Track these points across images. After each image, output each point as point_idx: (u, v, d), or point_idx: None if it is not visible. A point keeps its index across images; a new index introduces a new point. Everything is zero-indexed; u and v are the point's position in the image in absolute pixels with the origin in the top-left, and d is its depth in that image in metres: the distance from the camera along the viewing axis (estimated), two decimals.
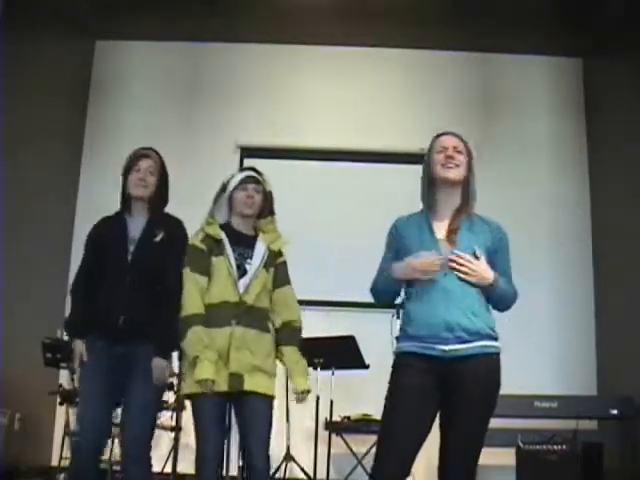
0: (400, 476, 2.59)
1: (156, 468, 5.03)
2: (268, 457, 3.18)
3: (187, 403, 5.49)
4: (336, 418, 5.43)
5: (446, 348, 2.57)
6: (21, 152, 6.23)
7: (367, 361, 5.25)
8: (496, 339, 2.70)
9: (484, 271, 2.68)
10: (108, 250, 3.28)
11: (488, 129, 6.65)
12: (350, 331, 5.20)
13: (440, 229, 2.76)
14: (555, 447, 5.01)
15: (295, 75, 6.78)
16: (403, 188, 6.89)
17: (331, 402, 5.24)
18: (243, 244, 3.33)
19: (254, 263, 3.25)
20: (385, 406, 2.65)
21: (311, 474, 5.21)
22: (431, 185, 2.86)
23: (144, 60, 6.84)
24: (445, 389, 2.59)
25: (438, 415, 2.65)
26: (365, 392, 5.86)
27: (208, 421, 3.06)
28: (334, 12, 6.45)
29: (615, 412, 5.37)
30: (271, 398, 3.17)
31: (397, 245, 2.87)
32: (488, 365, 2.63)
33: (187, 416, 5.74)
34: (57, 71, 6.51)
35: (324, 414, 5.32)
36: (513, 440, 5.08)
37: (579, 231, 6.48)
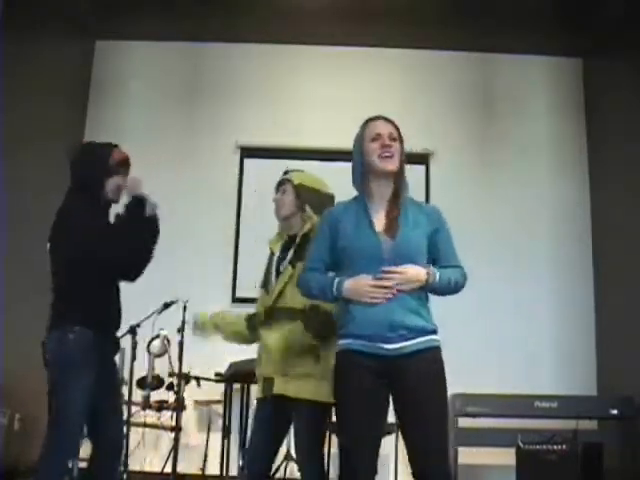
0: None
1: (156, 468, 5.07)
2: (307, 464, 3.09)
3: (187, 403, 5.53)
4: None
5: (390, 347, 2.60)
6: (21, 152, 6.22)
7: None
8: (435, 332, 2.71)
9: (414, 276, 2.64)
10: None
11: (488, 129, 6.66)
12: None
13: (378, 220, 2.74)
14: (555, 447, 5.00)
15: (295, 75, 6.79)
16: None
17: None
18: (286, 247, 3.33)
19: (285, 264, 3.24)
20: (340, 410, 2.68)
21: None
22: (365, 173, 2.84)
23: (144, 60, 6.84)
24: (395, 387, 2.63)
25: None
26: None
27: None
28: (334, 12, 6.45)
29: (615, 412, 5.37)
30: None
31: (334, 234, 2.77)
32: (431, 358, 2.65)
33: (187, 416, 5.76)
34: (57, 71, 6.51)
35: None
36: (513, 440, 5.07)
37: (579, 231, 6.48)
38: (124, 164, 3.33)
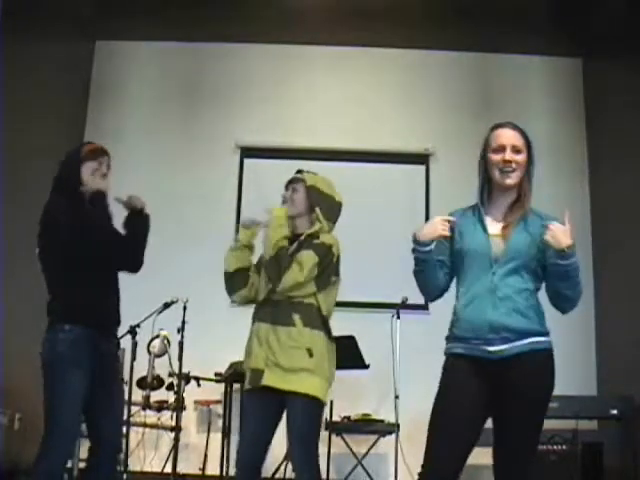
0: None
1: (156, 468, 5.07)
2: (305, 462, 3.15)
3: (187, 403, 5.53)
4: (336, 418, 5.44)
5: (491, 349, 2.53)
6: (21, 152, 6.23)
7: (367, 361, 5.25)
8: (546, 334, 2.70)
9: (562, 233, 2.58)
10: None
11: (488, 129, 6.65)
12: (350, 331, 5.20)
13: (493, 225, 2.68)
14: (555, 447, 5.01)
15: (295, 75, 6.79)
16: (403, 188, 6.93)
17: (331, 402, 5.24)
18: (290, 243, 3.30)
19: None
20: (434, 410, 2.58)
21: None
22: (486, 183, 2.76)
23: (144, 60, 6.84)
24: (494, 391, 2.53)
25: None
26: (365, 392, 5.88)
27: None
28: (334, 12, 6.45)
29: (615, 412, 5.37)
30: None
31: (452, 234, 2.71)
32: (536, 362, 2.59)
33: (187, 416, 5.76)
34: (57, 71, 6.51)
35: (324, 414, 5.32)
36: None
37: (579, 231, 6.44)
38: (95, 151, 3.39)
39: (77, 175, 3.32)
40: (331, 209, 3.33)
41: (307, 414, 3.06)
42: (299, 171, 3.45)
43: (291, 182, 3.38)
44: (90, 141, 3.50)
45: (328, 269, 3.17)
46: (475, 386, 2.53)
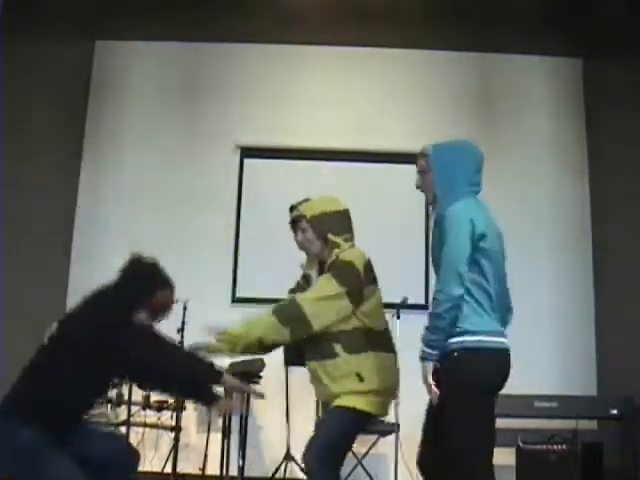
0: None
1: (156, 468, 5.06)
2: (312, 458, 3.05)
3: (187, 403, 5.52)
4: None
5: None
6: (21, 152, 6.23)
7: None
8: (453, 335, 2.69)
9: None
10: None
11: (488, 129, 6.65)
12: None
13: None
14: (555, 447, 5.01)
15: (295, 75, 6.78)
16: (403, 188, 6.91)
17: None
18: (321, 271, 3.32)
19: None
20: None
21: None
22: None
23: (144, 60, 6.83)
24: None
25: None
26: None
27: None
28: (334, 12, 6.45)
29: (615, 412, 5.37)
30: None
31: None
32: (444, 364, 2.71)
33: (187, 416, 5.76)
34: (57, 71, 6.51)
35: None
36: (513, 440, 5.08)
37: (579, 231, 6.48)
38: (163, 309, 3.19)
39: (133, 309, 3.10)
40: (340, 223, 3.26)
41: (331, 417, 3.09)
42: (293, 207, 3.39)
43: (293, 222, 3.35)
44: (172, 285, 3.27)
45: (356, 285, 3.09)
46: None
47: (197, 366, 2.96)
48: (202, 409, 5.92)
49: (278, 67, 6.75)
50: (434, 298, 2.70)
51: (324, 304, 3.01)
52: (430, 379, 2.68)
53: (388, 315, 5.13)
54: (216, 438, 5.49)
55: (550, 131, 6.69)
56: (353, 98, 6.68)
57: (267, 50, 6.74)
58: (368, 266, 3.19)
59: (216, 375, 2.97)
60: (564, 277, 6.39)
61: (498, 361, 2.79)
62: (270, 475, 5.37)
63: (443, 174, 2.86)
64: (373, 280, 3.19)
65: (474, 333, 2.69)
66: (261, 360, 5.26)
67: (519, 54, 6.75)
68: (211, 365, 2.99)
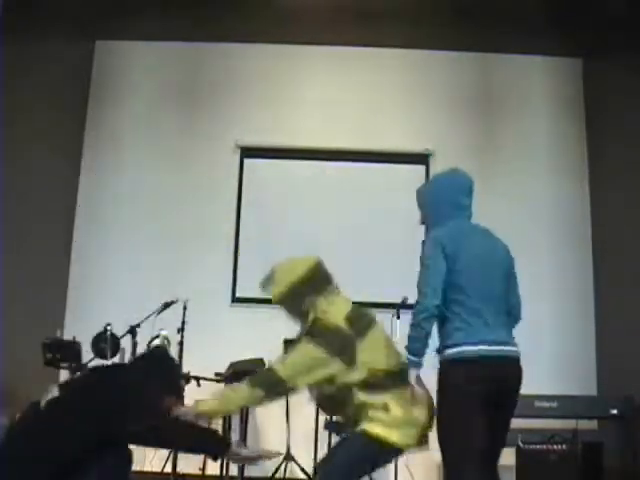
0: None
1: (156, 468, 5.06)
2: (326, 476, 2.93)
3: (187, 403, 5.52)
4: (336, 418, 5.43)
5: None
6: (21, 152, 6.23)
7: None
8: (438, 351, 2.92)
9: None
10: None
11: (488, 129, 6.66)
12: None
13: None
14: (555, 447, 5.01)
15: (295, 75, 6.78)
16: (403, 188, 6.91)
17: None
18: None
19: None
20: None
21: (311, 474, 5.21)
22: None
23: (144, 60, 6.83)
24: None
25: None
26: None
27: None
28: (334, 12, 6.45)
29: (615, 412, 5.37)
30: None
31: None
32: (438, 372, 2.91)
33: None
34: (57, 71, 6.51)
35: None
36: (513, 440, 5.07)
37: (579, 231, 6.48)
38: (161, 408, 2.96)
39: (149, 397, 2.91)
40: (310, 284, 2.95)
41: (355, 441, 2.90)
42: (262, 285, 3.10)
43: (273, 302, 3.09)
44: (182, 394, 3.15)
45: (343, 345, 2.83)
46: None
47: (203, 442, 2.89)
48: None
49: (278, 67, 6.75)
50: (412, 312, 2.91)
51: (301, 368, 2.82)
52: (414, 382, 2.86)
53: (388, 315, 5.18)
54: None
55: (550, 131, 6.69)
56: (353, 98, 6.67)
57: (267, 50, 6.74)
58: (355, 315, 2.92)
59: (223, 447, 2.90)
60: (564, 278, 6.38)
61: (480, 368, 2.81)
62: (270, 475, 5.36)
63: (430, 205, 3.16)
64: (367, 325, 2.94)
65: (454, 346, 2.85)
66: (261, 360, 5.26)
67: (519, 54, 6.75)
68: (218, 438, 2.95)
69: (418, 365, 2.85)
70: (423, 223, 3.20)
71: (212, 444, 2.90)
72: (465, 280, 2.90)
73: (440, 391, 2.84)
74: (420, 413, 2.86)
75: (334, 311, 2.89)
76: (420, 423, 2.87)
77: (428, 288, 2.87)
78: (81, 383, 3.01)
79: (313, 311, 2.90)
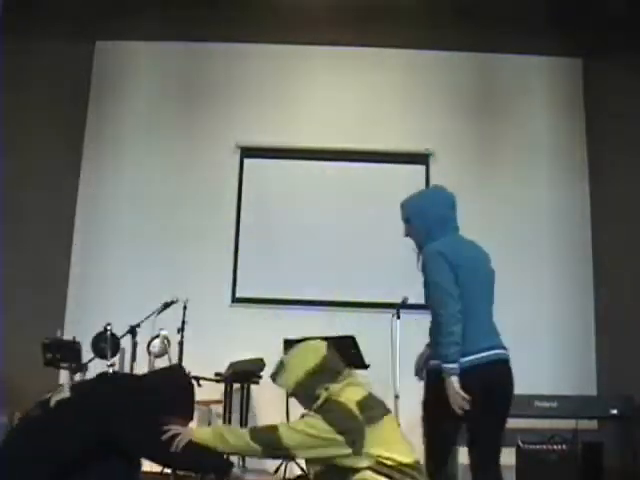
0: None
1: (156, 468, 5.05)
2: None
3: None
4: None
5: None
6: (22, 152, 6.23)
7: (367, 361, 5.25)
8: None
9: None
10: None
11: (488, 129, 6.65)
12: (350, 331, 5.20)
13: None
14: (555, 447, 5.01)
15: (295, 75, 6.78)
16: (403, 188, 6.91)
17: None
18: None
19: None
20: None
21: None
22: None
23: (144, 60, 6.83)
24: None
25: None
26: None
27: None
28: (334, 12, 6.45)
29: (615, 412, 5.37)
30: None
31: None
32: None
33: None
34: (57, 71, 6.51)
35: None
36: (513, 440, 5.07)
37: (579, 231, 6.48)
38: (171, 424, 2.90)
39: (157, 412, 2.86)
40: (323, 372, 2.83)
41: None
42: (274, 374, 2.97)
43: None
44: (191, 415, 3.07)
45: (351, 425, 2.68)
46: None
47: (205, 462, 2.86)
48: (202, 409, 5.92)
49: (278, 67, 6.75)
50: (436, 323, 3.01)
51: (308, 443, 2.68)
52: (459, 390, 2.92)
53: (388, 315, 5.18)
54: None
55: (550, 131, 6.69)
56: (353, 98, 6.68)
57: (267, 50, 6.74)
58: (367, 402, 2.77)
59: (225, 469, 2.90)
60: (564, 278, 6.38)
61: (465, 379, 2.97)
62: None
63: (420, 223, 3.25)
64: (380, 414, 2.77)
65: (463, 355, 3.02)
66: (261, 360, 5.26)
67: (519, 54, 6.74)
68: (221, 459, 2.88)
69: (456, 371, 2.92)
70: (407, 235, 3.33)
71: (214, 465, 2.87)
72: (465, 290, 3.01)
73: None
74: None
75: (346, 394, 2.77)
76: None
77: (447, 296, 2.97)
78: (91, 385, 3.01)
79: (326, 393, 2.78)
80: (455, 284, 2.99)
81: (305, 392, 2.82)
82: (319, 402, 2.76)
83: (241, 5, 6.44)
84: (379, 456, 2.63)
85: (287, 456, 2.78)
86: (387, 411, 2.82)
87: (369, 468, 2.63)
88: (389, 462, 2.63)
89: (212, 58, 6.80)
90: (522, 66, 6.78)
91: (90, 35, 6.77)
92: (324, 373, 2.82)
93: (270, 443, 2.70)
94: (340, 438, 2.64)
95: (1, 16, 5.04)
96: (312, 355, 2.85)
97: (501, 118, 6.72)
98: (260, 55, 6.75)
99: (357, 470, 2.63)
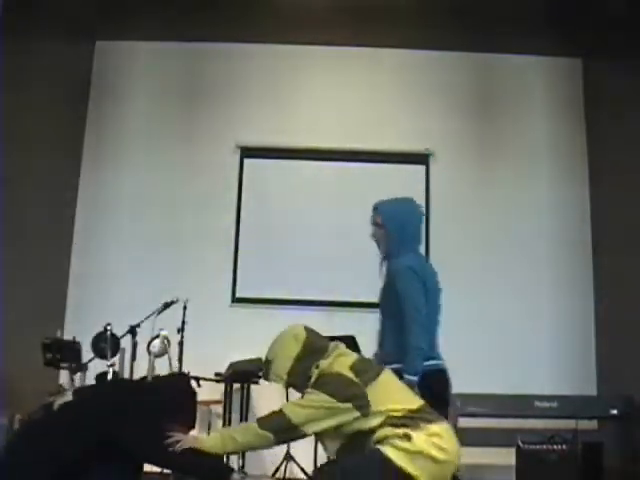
0: None
1: (156, 468, 5.05)
2: None
3: None
4: None
5: None
6: (21, 152, 6.23)
7: None
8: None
9: None
10: None
11: (488, 129, 6.65)
12: (350, 331, 5.19)
13: None
14: (555, 447, 5.01)
15: (295, 75, 6.78)
16: (403, 188, 6.92)
17: None
18: None
19: None
20: None
21: (311, 474, 5.21)
22: None
23: (144, 60, 6.83)
24: None
25: None
26: None
27: None
28: (334, 12, 6.45)
29: (615, 412, 5.37)
30: None
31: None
32: None
33: None
34: (57, 71, 6.51)
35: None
36: (513, 440, 5.08)
37: (579, 231, 6.47)
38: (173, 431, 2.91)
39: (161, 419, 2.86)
40: (309, 352, 2.84)
41: (371, 459, 2.67)
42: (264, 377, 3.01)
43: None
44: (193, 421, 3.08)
45: (344, 387, 2.70)
46: None
47: (205, 467, 2.83)
48: (202, 409, 5.92)
49: (278, 67, 6.75)
50: (404, 334, 3.14)
51: (313, 415, 2.68)
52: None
53: None
54: None
55: (550, 131, 6.69)
56: (353, 98, 6.68)
57: (267, 50, 6.74)
58: (360, 364, 2.80)
59: (225, 475, 2.85)
60: (564, 278, 6.38)
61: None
62: (270, 475, 5.37)
63: (395, 231, 3.33)
64: (375, 372, 2.80)
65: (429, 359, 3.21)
66: (261, 360, 5.25)
67: (519, 54, 6.74)
68: (221, 465, 2.88)
69: (416, 382, 3.04)
70: (375, 239, 3.46)
71: (214, 469, 2.84)
72: (429, 306, 3.21)
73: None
74: (449, 450, 2.63)
75: (337, 364, 2.78)
76: (449, 462, 2.63)
77: (418, 313, 3.15)
78: (94, 388, 3.01)
79: (317, 370, 2.79)
80: (425, 301, 3.17)
81: (299, 378, 2.83)
82: (312, 379, 2.78)
83: (241, 5, 6.44)
84: (387, 409, 2.66)
85: (298, 436, 2.74)
86: (381, 368, 2.86)
87: (383, 424, 2.64)
88: (399, 413, 2.66)
89: (212, 58, 6.80)
90: (522, 66, 6.78)
91: (90, 35, 6.77)
92: (311, 354, 2.83)
93: (279, 426, 2.70)
94: (345, 405, 2.65)
95: (1, 16, 5.04)
96: (293, 341, 2.87)
97: (501, 118, 6.72)
98: (260, 55, 6.75)
99: (373, 431, 2.64)
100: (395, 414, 2.66)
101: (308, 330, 2.91)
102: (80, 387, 3.14)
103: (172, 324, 5.11)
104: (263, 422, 2.73)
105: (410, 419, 2.65)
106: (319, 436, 2.80)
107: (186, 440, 2.79)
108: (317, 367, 2.80)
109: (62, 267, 6.33)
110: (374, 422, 2.66)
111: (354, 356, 2.85)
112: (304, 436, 2.74)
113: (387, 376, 2.82)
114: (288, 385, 2.90)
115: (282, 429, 2.70)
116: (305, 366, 2.82)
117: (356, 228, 6.61)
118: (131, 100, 6.74)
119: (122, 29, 6.70)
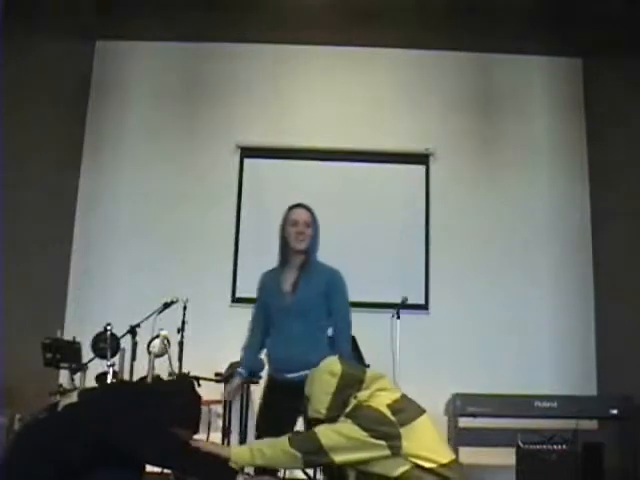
0: None
1: (156, 468, 5.05)
2: None
3: None
4: None
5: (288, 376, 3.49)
6: (21, 152, 6.22)
7: (367, 361, 5.25)
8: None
9: None
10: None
11: (488, 129, 6.66)
12: None
13: (287, 282, 3.62)
14: (555, 447, 5.01)
15: (295, 75, 6.79)
16: (403, 188, 6.93)
17: None
18: None
19: None
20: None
21: (311, 474, 5.20)
22: (285, 247, 3.68)
23: (144, 60, 6.84)
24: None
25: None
26: None
27: None
28: (334, 12, 6.45)
29: (615, 412, 5.37)
30: None
31: (262, 298, 3.69)
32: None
33: None
34: (57, 71, 6.51)
35: None
36: (513, 440, 5.08)
37: (579, 231, 6.48)
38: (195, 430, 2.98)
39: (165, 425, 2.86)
40: (347, 385, 2.83)
41: None
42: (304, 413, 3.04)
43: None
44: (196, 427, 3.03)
45: (379, 425, 2.66)
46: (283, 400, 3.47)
47: (209, 468, 2.81)
48: (202, 409, 5.91)
49: (278, 67, 6.76)
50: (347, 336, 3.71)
51: (346, 444, 2.67)
52: None
53: (388, 315, 5.19)
54: (216, 438, 5.48)
55: (550, 131, 6.69)
56: (354, 98, 6.68)
57: (267, 50, 6.75)
58: (399, 403, 2.77)
59: (230, 476, 2.82)
60: (564, 278, 6.39)
61: None
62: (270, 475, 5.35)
63: (318, 236, 3.75)
64: (413, 414, 2.76)
65: None
66: (260, 359, 5.24)
67: (519, 54, 6.75)
68: (226, 467, 2.83)
69: None
70: (311, 237, 3.71)
71: (217, 472, 2.82)
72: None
73: None
74: None
75: (376, 399, 2.77)
76: None
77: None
78: (98, 389, 3.02)
79: (355, 400, 2.78)
80: None
81: (338, 411, 2.80)
82: (348, 409, 2.75)
83: (241, 5, 6.43)
84: (417, 456, 2.62)
85: (325, 463, 2.72)
86: (422, 411, 2.79)
87: (409, 476, 2.60)
88: (427, 464, 2.61)
89: (212, 58, 6.81)
90: (522, 66, 6.79)
91: (90, 35, 6.78)
92: (349, 387, 2.81)
93: (309, 447, 2.68)
94: (377, 442, 2.62)
95: (1, 16, 5.04)
96: (329, 377, 2.84)
97: (501, 118, 6.72)
98: (260, 55, 6.76)
99: (397, 479, 2.61)
100: (423, 465, 2.61)
101: (343, 363, 2.90)
102: (85, 388, 3.13)
103: (172, 324, 5.11)
104: (293, 440, 2.73)
105: (436, 475, 2.60)
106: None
107: (195, 444, 2.79)
108: (355, 397, 2.79)
109: (62, 267, 6.34)
110: (400, 470, 2.62)
111: (394, 394, 2.82)
112: (331, 464, 2.70)
113: (425, 421, 2.75)
114: (328, 420, 2.82)
115: (311, 450, 2.68)
116: (343, 399, 2.80)
117: (356, 228, 6.64)
118: (131, 100, 6.74)
119: (122, 29, 6.71)
